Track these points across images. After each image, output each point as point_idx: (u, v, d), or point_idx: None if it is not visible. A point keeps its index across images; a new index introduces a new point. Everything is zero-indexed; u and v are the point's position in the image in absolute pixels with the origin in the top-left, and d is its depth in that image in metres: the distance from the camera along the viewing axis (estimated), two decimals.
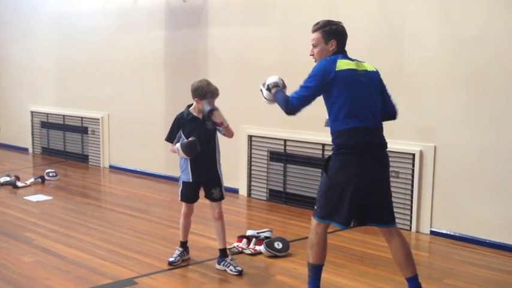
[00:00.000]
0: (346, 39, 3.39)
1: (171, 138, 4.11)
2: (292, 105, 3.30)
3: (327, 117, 3.35)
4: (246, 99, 6.29)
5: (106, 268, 4.08)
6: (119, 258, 4.29)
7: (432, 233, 4.99)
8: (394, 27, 5.15)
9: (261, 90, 3.55)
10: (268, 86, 3.48)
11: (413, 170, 5.04)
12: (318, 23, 3.40)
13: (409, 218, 5.10)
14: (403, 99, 5.07)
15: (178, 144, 3.97)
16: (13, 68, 9.48)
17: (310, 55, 3.43)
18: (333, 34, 3.34)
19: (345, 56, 3.34)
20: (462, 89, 4.78)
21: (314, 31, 3.39)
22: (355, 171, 3.20)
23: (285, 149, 6.01)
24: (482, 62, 4.65)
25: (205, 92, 3.95)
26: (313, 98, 3.29)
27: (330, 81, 3.21)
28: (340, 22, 3.41)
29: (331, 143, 3.34)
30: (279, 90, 3.44)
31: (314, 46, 3.39)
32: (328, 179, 3.27)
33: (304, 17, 5.71)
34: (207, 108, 3.94)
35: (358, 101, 3.23)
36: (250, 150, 6.31)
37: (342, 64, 3.25)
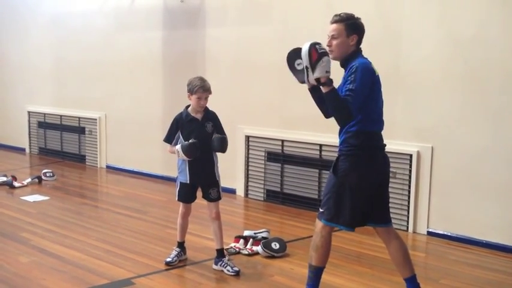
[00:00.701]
0: (363, 37, 3.29)
1: (169, 139, 4.10)
2: (352, 116, 3.10)
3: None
4: (243, 99, 6.30)
5: (103, 268, 4.08)
6: (115, 259, 4.29)
7: (429, 233, 5.00)
8: (391, 28, 5.16)
9: (307, 68, 3.05)
10: (320, 79, 3.02)
11: (410, 171, 5.05)
12: (339, 14, 3.25)
13: (406, 218, 5.11)
14: (400, 100, 5.09)
15: (178, 146, 3.96)
16: (10, 68, 9.46)
17: (327, 46, 3.23)
18: (355, 29, 3.23)
19: (366, 58, 3.26)
20: (459, 89, 4.79)
21: (335, 22, 3.23)
22: (365, 173, 3.20)
23: (282, 150, 6.01)
24: (479, 62, 4.66)
25: (194, 85, 3.94)
26: (362, 103, 3.12)
27: (372, 84, 3.14)
28: (359, 18, 3.29)
29: (337, 145, 3.31)
30: (336, 93, 3.06)
31: (334, 38, 3.21)
32: (337, 180, 3.23)
33: (302, 17, 5.74)
34: (218, 147, 3.99)
35: (380, 106, 3.26)
36: (248, 151, 6.31)
37: (375, 67, 3.21)
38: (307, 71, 3.06)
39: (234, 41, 6.39)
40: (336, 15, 3.27)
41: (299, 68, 3.13)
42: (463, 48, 4.73)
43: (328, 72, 3.04)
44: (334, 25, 3.24)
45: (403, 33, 5.07)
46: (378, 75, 3.23)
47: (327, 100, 3.10)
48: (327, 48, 3.17)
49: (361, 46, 3.31)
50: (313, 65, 3.03)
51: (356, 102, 3.06)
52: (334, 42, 3.23)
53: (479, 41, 4.64)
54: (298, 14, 5.79)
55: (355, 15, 3.29)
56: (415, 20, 4.99)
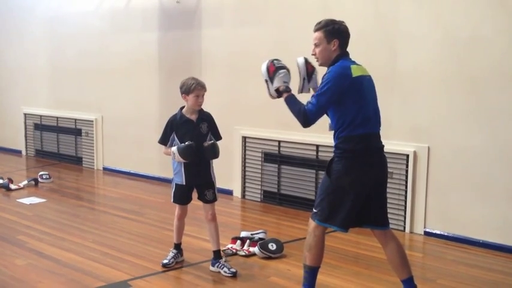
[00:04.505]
0: (348, 39, 3.34)
1: (164, 140, 4.09)
2: (310, 119, 3.25)
3: (329, 121, 3.34)
4: (240, 100, 6.30)
5: (100, 271, 4.07)
6: (112, 261, 4.28)
7: (426, 233, 5.00)
8: (387, 28, 5.16)
9: (266, 81, 3.44)
10: (278, 88, 3.40)
11: (407, 171, 5.05)
12: (320, 22, 3.33)
13: (402, 218, 5.11)
14: (396, 100, 5.10)
15: (174, 148, 3.93)
16: (6, 70, 9.44)
17: (312, 55, 3.37)
18: (335, 33, 3.29)
19: (352, 61, 3.31)
20: (455, 89, 4.79)
21: (316, 30, 3.33)
22: (359, 175, 3.21)
23: (279, 150, 6.01)
24: (475, 63, 4.66)
25: (190, 84, 3.93)
26: (330, 107, 3.23)
27: (346, 88, 3.17)
28: (342, 22, 3.35)
29: (333, 146, 3.32)
30: (292, 98, 3.34)
31: (316, 45, 3.33)
32: (331, 182, 3.25)
33: (298, 18, 5.73)
34: (211, 155, 3.97)
35: (367, 108, 3.25)
36: (244, 152, 6.30)
37: (355, 71, 3.23)
38: (267, 84, 3.44)
39: (230, 41, 6.38)
40: (317, 24, 3.35)
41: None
42: (459, 48, 4.73)
43: (286, 82, 3.40)
44: (316, 33, 3.34)
45: (398, 33, 5.07)
46: (360, 77, 3.23)
47: (287, 106, 3.36)
48: (282, 63, 3.47)
49: (349, 49, 3.34)
50: (271, 77, 3.42)
51: (321, 105, 3.21)
52: (317, 49, 3.34)
53: (475, 41, 4.64)
54: (294, 15, 5.78)
55: (337, 20, 3.35)
56: (411, 20, 4.99)
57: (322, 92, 3.20)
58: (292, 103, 3.33)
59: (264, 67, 3.45)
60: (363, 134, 3.22)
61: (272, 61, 3.46)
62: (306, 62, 3.47)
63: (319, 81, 3.35)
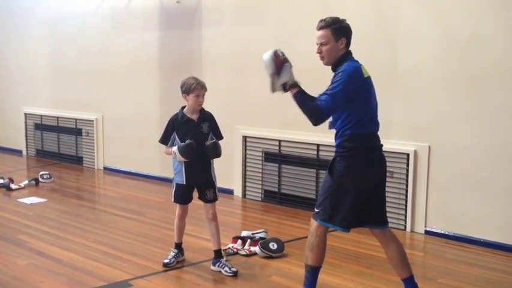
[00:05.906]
0: (351, 38, 3.31)
1: (165, 140, 4.09)
2: (325, 116, 3.17)
3: (331, 119, 3.31)
4: (240, 99, 6.30)
5: (100, 270, 4.07)
6: (113, 260, 4.28)
7: (426, 232, 5.00)
8: (387, 27, 5.16)
9: (272, 75, 3.23)
10: (285, 84, 3.23)
11: (407, 170, 5.05)
12: (325, 20, 3.25)
13: (403, 217, 5.11)
14: (397, 99, 5.09)
15: (175, 148, 3.94)
16: (6, 70, 9.43)
17: (317, 53, 3.27)
18: (343, 32, 3.24)
19: (357, 60, 3.27)
20: (456, 88, 4.79)
21: (322, 28, 3.23)
22: (361, 173, 3.21)
23: (279, 150, 6.01)
24: (476, 61, 4.66)
25: (190, 84, 3.93)
26: (341, 105, 3.16)
27: (358, 88, 3.15)
28: (345, 19, 3.31)
29: (333, 146, 3.31)
30: (303, 95, 3.20)
31: (323, 44, 3.22)
32: (333, 181, 3.24)
33: (298, 17, 5.73)
34: (213, 154, 3.96)
35: (373, 108, 3.26)
36: (245, 151, 6.30)
37: (364, 71, 3.22)
38: (273, 78, 3.24)
39: (231, 41, 6.38)
40: (321, 21, 3.27)
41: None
42: (460, 47, 4.73)
43: (292, 75, 3.23)
44: (321, 32, 3.25)
45: (399, 32, 5.07)
46: (368, 78, 3.24)
47: (296, 102, 3.22)
48: (286, 56, 3.28)
49: (350, 48, 3.32)
50: (277, 70, 3.22)
51: (334, 104, 3.12)
52: (324, 48, 3.24)
53: (476, 39, 4.64)
54: (294, 15, 5.78)
55: (341, 18, 3.30)
56: (412, 19, 4.99)
57: (337, 90, 3.11)
58: (304, 99, 3.20)
59: (267, 58, 3.23)
60: (367, 133, 3.22)
61: (275, 52, 3.24)
62: (272, 57, 3.22)
63: (293, 72, 3.24)
